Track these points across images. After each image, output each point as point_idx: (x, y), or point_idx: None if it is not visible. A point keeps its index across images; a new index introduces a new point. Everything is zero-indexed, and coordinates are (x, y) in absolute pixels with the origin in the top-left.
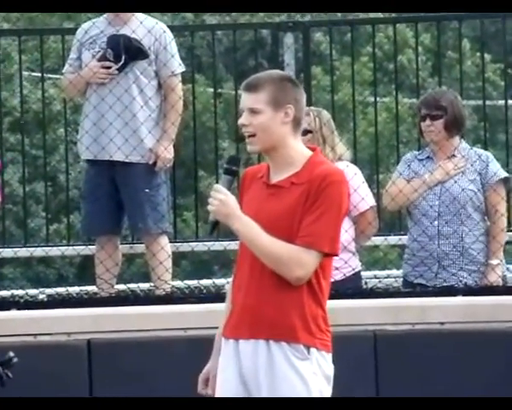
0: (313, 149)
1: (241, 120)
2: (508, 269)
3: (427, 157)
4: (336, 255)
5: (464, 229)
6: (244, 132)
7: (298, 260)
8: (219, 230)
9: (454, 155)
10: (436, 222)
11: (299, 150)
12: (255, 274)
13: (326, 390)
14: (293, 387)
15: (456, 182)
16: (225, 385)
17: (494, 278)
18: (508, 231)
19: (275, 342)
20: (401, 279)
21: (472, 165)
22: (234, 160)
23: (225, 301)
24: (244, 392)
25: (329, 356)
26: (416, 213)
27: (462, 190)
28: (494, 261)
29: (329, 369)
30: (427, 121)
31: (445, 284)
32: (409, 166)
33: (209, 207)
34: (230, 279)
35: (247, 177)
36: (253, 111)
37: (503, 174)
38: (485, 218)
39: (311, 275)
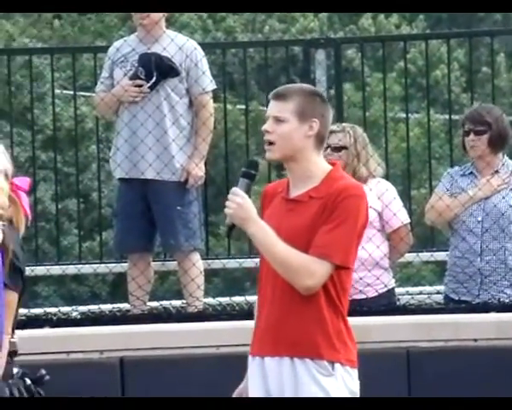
0: (333, 164)
1: (265, 126)
2: None
3: (471, 173)
4: (348, 268)
5: (507, 245)
6: (265, 139)
7: (308, 269)
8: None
9: (497, 171)
10: (478, 238)
11: (319, 165)
12: (277, 291)
13: None
14: None
15: (497, 198)
16: None
17: None
18: None
19: (299, 359)
20: (434, 295)
21: None
22: (252, 163)
23: (254, 319)
24: None
25: (355, 371)
26: (459, 228)
27: (503, 205)
28: None
29: (355, 385)
30: (471, 136)
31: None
32: (452, 181)
33: (226, 210)
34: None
35: (267, 193)
36: (279, 119)
37: None
38: None
39: (321, 285)
